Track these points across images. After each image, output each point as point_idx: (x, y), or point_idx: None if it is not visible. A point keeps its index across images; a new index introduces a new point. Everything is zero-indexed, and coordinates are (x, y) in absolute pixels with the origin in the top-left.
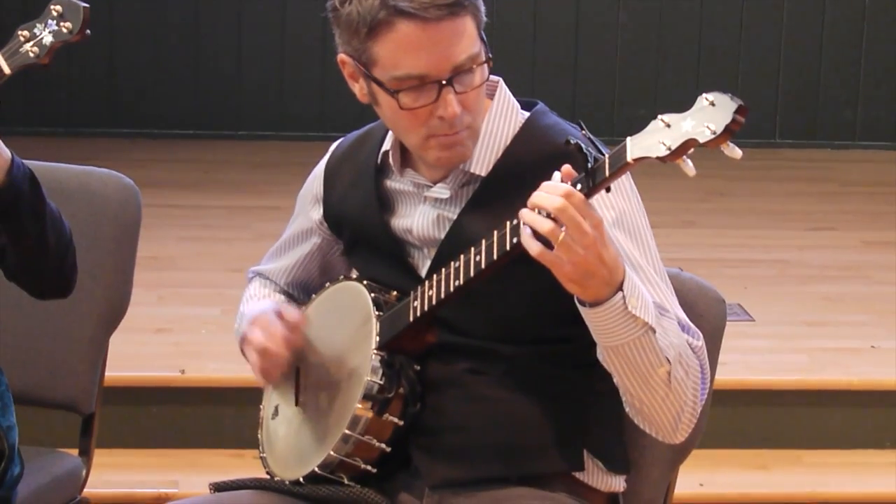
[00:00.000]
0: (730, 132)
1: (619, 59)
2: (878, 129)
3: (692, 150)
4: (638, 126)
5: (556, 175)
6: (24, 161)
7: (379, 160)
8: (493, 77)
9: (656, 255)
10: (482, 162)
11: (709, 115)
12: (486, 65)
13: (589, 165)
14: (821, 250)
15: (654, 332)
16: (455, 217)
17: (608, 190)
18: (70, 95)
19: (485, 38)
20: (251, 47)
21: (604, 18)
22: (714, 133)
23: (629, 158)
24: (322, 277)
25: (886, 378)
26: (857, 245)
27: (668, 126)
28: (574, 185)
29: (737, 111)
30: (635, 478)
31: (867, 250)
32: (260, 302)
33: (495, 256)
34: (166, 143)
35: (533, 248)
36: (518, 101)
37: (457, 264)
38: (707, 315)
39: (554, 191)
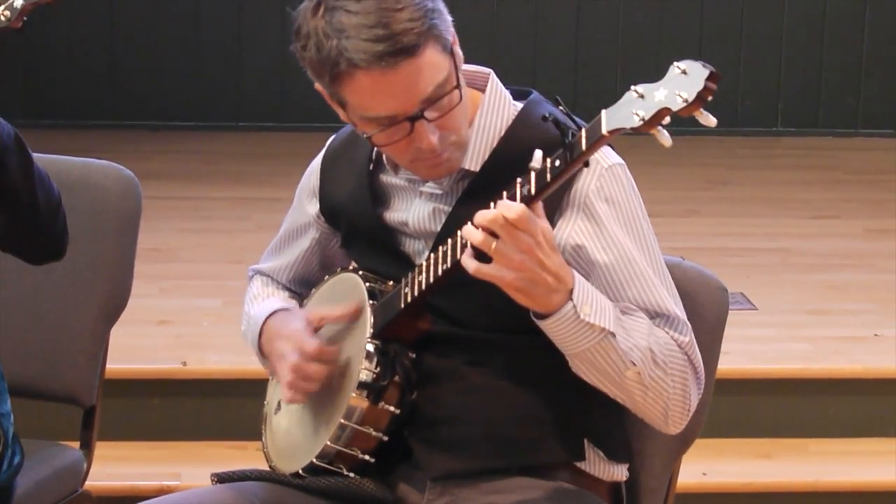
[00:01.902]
0: (701, 99)
1: (620, 46)
2: (880, 117)
3: (667, 119)
4: None
5: (538, 154)
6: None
7: (373, 155)
8: (483, 69)
9: (654, 248)
10: (476, 157)
11: (681, 83)
12: (458, 89)
13: (566, 141)
14: (823, 238)
15: (615, 336)
16: (450, 209)
17: (587, 164)
18: (70, 87)
19: (455, 52)
20: (251, 38)
21: (605, 6)
22: (686, 101)
23: (604, 130)
24: (323, 272)
25: (890, 366)
26: (859, 233)
27: (642, 97)
28: (553, 160)
29: (708, 78)
30: (638, 467)
31: (870, 238)
32: (267, 301)
33: None
34: (167, 134)
35: (470, 265)
36: (511, 90)
37: (445, 248)
38: (709, 304)
39: (491, 210)
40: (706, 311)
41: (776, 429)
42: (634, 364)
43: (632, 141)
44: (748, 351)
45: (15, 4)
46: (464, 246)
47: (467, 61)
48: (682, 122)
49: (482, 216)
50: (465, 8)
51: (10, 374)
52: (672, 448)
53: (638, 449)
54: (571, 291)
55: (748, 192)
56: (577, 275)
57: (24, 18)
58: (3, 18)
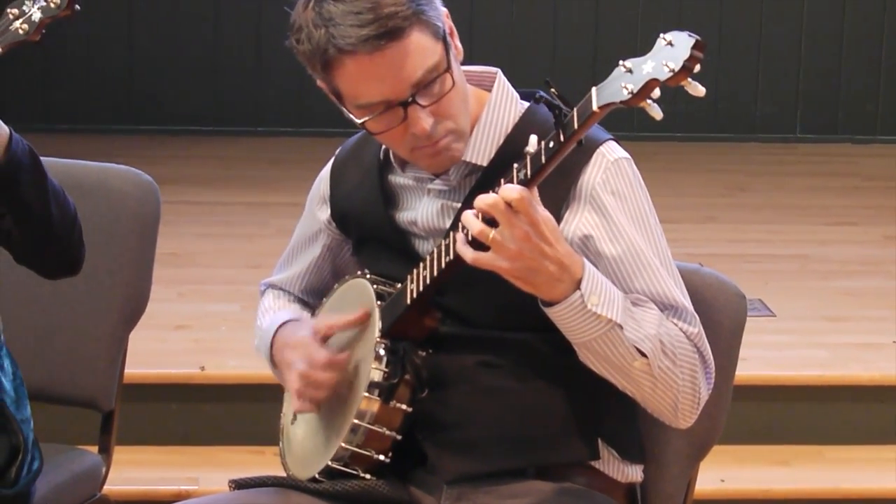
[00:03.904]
0: (687, 69)
1: (637, 50)
2: None
3: (657, 91)
4: (657, 121)
5: (533, 138)
6: (43, 158)
7: (381, 156)
8: (490, 69)
9: (661, 240)
10: (483, 152)
11: (667, 53)
12: (448, 73)
13: (559, 121)
14: (842, 245)
15: (622, 327)
16: (459, 205)
17: (580, 143)
18: (89, 92)
19: (447, 39)
20: (270, 43)
21: (622, 11)
22: (673, 71)
23: (595, 107)
24: (334, 281)
25: None
26: (878, 240)
27: (630, 71)
28: (547, 142)
29: (694, 46)
30: (655, 473)
31: (888, 245)
32: (278, 314)
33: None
34: (186, 139)
35: (467, 254)
36: (519, 91)
37: (447, 241)
38: (727, 310)
39: (490, 195)
40: (724, 318)
41: (794, 435)
42: (644, 354)
43: (653, 147)
44: (766, 357)
45: (33, 18)
46: (464, 235)
47: (484, 57)
48: (700, 129)
49: (482, 200)
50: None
51: (29, 379)
52: (689, 454)
53: (655, 455)
54: (580, 280)
55: (766, 198)
56: (587, 263)
57: (43, 31)
58: (21, 32)
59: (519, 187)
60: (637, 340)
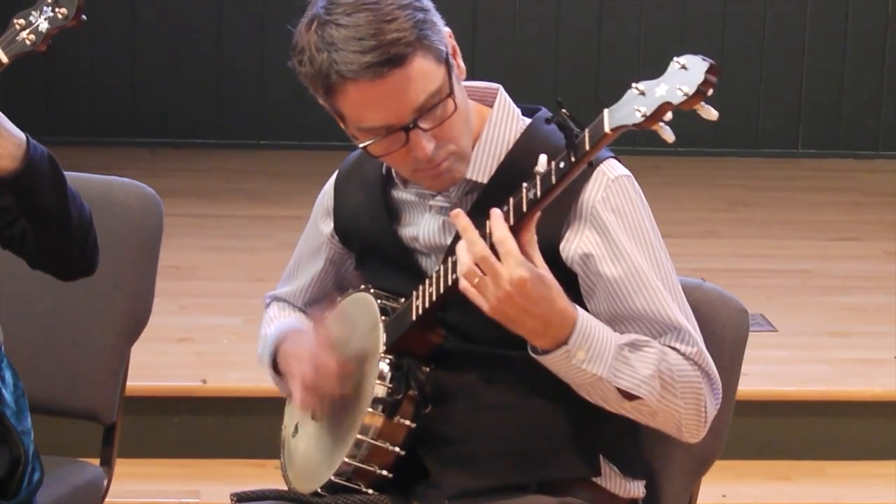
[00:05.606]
0: (702, 93)
1: (641, 65)
2: None
3: (669, 114)
4: (661, 138)
5: (542, 157)
6: None
7: (384, 171)
8: (492, 85)
9: (663, 258)
10: (484, 169)
11: (681, 77)
12: (451, 97)
13: (570, 142)
14: (843, 260)
15: (613, 377)
16: None
17: (591, 165)
18: (92, 105)
19: (449, 62)
20: (273, 56)
21: (625, 27)
22: (686, 95)
23: (607, 129)
24: (337, 294)
25: None
26: (879, 255)
27: (643, 93)
28: (558, 163)
29: (708, 71)
30: (657, 489)
31: (890, 260)
32: (283, 322)
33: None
34: (188, 152)
35: (460, 281)
36: (521, 107)
37: (454, 258)
38: (729, 326)
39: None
40: (726, 333)
41: (795, 451)
42: (640, 397)
43: (655, 162)
44: (768, 373)
45: (40, 28)
46: None
47: (487, 71)
48: (702, 143)
49: (473, 248)
50: (487, 13)
51: (30, 391)
52: (691, 469)
53: (657, 470)
54: (569, 336)
55: (768, 213)
56: (581, 315)
57: (49, 42)
58: (28, 43)
59: (503, 235)
60: (632, 387)
